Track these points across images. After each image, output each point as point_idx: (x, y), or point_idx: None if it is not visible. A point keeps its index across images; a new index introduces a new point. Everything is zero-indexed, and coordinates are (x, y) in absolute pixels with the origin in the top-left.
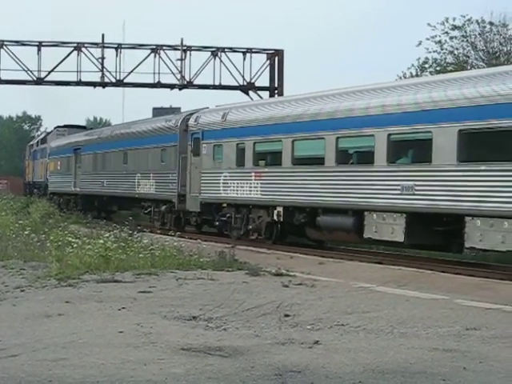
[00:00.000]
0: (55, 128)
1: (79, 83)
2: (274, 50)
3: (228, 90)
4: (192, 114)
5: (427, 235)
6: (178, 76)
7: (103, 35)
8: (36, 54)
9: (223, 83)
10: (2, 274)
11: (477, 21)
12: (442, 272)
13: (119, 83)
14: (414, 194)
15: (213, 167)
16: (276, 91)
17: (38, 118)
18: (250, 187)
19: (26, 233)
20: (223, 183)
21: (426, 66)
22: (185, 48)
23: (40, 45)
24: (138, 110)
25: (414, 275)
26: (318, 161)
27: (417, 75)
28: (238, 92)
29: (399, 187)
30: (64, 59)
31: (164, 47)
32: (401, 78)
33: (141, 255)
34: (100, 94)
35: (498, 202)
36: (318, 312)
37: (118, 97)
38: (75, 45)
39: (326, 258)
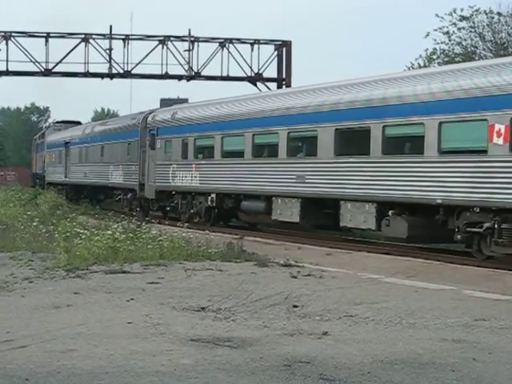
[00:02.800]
0: (53, 123)
1: (87, 74)
2: (282, 40)
3: (236, 82)
4: (151, 112)
5: (318, 217)
6: (186, 67)
7: (111, 26)
8: (44, 45)
9: (231, 74)
10: (11, 266)
11: (485, 11)
12: (451, 263)
13: (127, 74)
14: (305, 182)
15: (164, 159)
16: (284, 82)
17: (47, 110)
18: (192, 177)
19: (34, 224)
20: (172, 173)
21: (434, 57)
22: (192, 39)
23: (48, 36)
24: (146, 101)
25: (422, 266)
26: (240, 154)
27: (425, 66)
28: (246, 83)
29: (295, 176)
30: (72, 50)
31: (172, 38)
32: (409, 68)
33: (149, 246)
34: (108, 85)
35: (360, 189)
36: (326, 303)
37: (125, 88)
38: (83, 36)
39: (334, 248)
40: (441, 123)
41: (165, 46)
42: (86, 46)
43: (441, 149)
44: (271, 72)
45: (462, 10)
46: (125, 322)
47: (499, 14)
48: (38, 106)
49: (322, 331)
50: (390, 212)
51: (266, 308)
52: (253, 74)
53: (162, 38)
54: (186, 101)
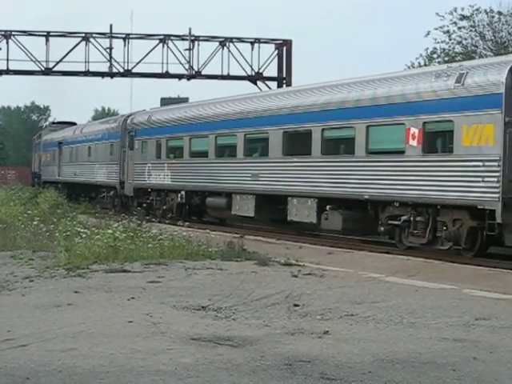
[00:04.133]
0: (49, 124)
1: (87, 73)
2: (282, 39)
3: (236, 80)
4: (130, 115)
5: (271, 211)
6: (186, 66)
7: (111, 25)
8: (44, 44)
9: (231, 73)
10: (11, 264)
11: (485, 10)
12: (451, 262)
13: (127, 73)
14: (258, 180)
15: (141, 159)
16: (284, 81)
17: (47, 109)
18: (164, 175)
19: (34, 223)
20: (147, 172)
21: (435, 56)
22: (193, 38)
23: (48, 35)
24: (146, 100)
25: (422, 265)
26: (204, 154)
27: (425, 65)
28: (247, 82)
29: (250, 175)
30: (72, 49)
31: (172, 37)
32: (409, 67)
33: (150, 245)
34: (108, 84)
35: (304, 186)
36: (327, 302)
37: (126, 87)
38: (83, 35)
39: (335, 247)
40: (368, 127)
41: (165, 45)
42: (86, 44)
43: (368, 149)
44: (272, 71)
45: (462, 9)
46: (125, 321)
47: (500, 13)
48: (38, 105)
49: (322, 330)
50: (327, 207)
51: (267, 307)
52: (253, 73)
53: (162, 37)
54: (186, 100)
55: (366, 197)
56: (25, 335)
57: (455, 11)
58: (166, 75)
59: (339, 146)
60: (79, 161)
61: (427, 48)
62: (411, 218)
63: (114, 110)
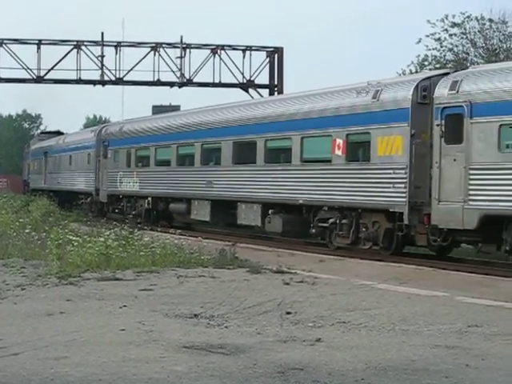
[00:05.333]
0: (38, 134)
1: (79, 81)
2: (274, 47)
3: (228, 88)
4: (104, 126)
5: (225, 216)
6: (178, 74)
7: (102, 33)
8: (36, 52)
9: (223, 81)
10: (3, 273)
11: (476, 18)
12: (443, 269)
13: (119, 81)
14: (212, 187)
15: (113, 167)
16: (276, 89)
17: (38, 117)
18: (133, 182)
19: (26, 231)
20: (119, 180)
21: (426, 63)
22: (184, 46)
23: (39, 43)
24: (138, 108)
25: (414, 272)
26: (168, 163)
27: (416, 72)
28: (238, 90)
29: (206, 182)
30: (64, 57)
31: (163, 45)
32: (400, 75)
33: (142, 253)
34: (100, 92)
35: (250, 192)
36: (319, 309)
37: (117, 95)
38: (75, 43)
39: (327, 255)
40: (302, 138)
41: (157, 53)
42: (77, 52)
43: (302, 158)
44: (263, 78)
45: (453, 16)
46: (117, 329)
47: (491, 20)
48: (29, 113)
49: (315, 338)
50: (270, 211)
51: (259, 315)
52: (245, 81)
53: (153, 45)
54: (178, 108)
55: (301, 202)
56: (17, 343)
57: (446, 18)
58: (158, 83)
59: (279, 156)
60: (62, 169)
61: (419, 55)
62: (337, 221)
63: (106, 117)
